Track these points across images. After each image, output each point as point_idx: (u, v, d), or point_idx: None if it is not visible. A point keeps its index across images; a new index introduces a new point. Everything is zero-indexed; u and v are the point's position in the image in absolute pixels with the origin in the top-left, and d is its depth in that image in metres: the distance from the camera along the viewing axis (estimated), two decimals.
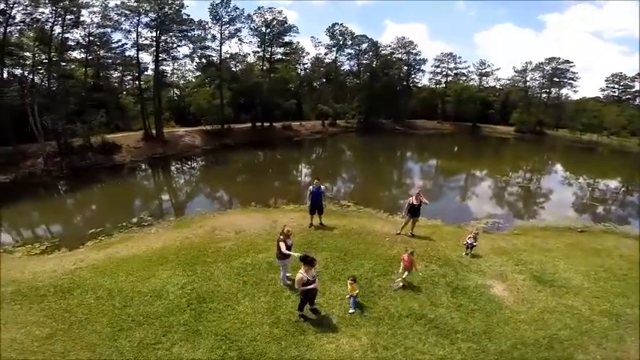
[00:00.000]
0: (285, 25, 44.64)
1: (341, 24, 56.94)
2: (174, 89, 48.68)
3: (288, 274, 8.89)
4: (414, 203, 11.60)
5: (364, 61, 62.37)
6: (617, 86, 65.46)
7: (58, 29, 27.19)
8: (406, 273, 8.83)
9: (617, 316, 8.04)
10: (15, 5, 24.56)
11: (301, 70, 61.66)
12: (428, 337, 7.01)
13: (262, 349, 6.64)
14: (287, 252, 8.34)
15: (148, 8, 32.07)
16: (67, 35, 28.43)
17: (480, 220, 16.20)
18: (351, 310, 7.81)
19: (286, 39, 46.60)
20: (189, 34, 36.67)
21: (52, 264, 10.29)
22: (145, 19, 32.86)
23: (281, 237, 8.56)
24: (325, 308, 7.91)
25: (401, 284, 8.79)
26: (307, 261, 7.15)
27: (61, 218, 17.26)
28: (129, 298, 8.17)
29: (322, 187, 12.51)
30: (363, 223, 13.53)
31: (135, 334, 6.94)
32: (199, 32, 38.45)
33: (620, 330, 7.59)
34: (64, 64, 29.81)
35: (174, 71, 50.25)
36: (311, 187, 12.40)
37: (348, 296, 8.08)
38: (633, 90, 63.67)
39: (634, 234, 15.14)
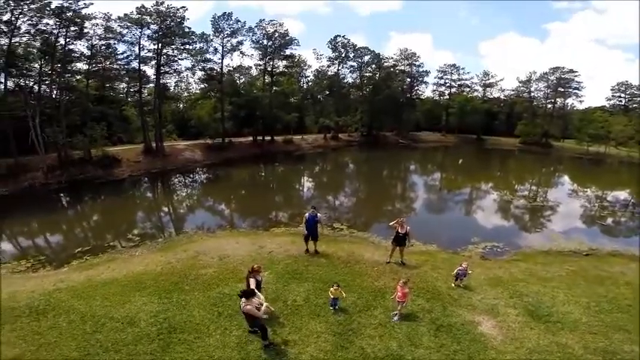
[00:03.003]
0: (287, 38, 45.06)
1: (343, 36, 57.45)
2: (178, 102, 49.11)
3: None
4: (400, 232, 11.16)
5: (367, 74, 62.52)
6: (623, 95, 64.36)
7: (62, 40, 27.77)
8: (400, 306, 8.54)
9: (613, 354, 7.49)
10: (20, 16, 25.14)
11: (304, 83, 61.98)
12: None
13: None
14: (254, 290, 7.96)
15: (149, 20, 32.59)
16: (70, 47, 29.02)
17: (477, 245, 15.40)
18: (330, 308, 8.71)
19: (288, 52, 47.00)
20: (190, 47, 37.21)
21: (33, 283, 10.37)
22: (147, 32, 33.42)
23: (250, 273, 8.26)
24: (299, 346, 7.54)
25: (396, 317, 8.56)
26: (245, 295, 7.14)
27: (51, 235, 17.30)
28: (100, 323, 8.11)
29: (318, 215, 12.31)
30: (352, 250, 13.11)
31: None
32: (201, 45, 39.00)
33: None
34: (68, 75, 30.27)
35: (178, 83, 50.98)
36: (307, 214, 12.23)
37: (330, 297, 8.72)
38: None
39: None
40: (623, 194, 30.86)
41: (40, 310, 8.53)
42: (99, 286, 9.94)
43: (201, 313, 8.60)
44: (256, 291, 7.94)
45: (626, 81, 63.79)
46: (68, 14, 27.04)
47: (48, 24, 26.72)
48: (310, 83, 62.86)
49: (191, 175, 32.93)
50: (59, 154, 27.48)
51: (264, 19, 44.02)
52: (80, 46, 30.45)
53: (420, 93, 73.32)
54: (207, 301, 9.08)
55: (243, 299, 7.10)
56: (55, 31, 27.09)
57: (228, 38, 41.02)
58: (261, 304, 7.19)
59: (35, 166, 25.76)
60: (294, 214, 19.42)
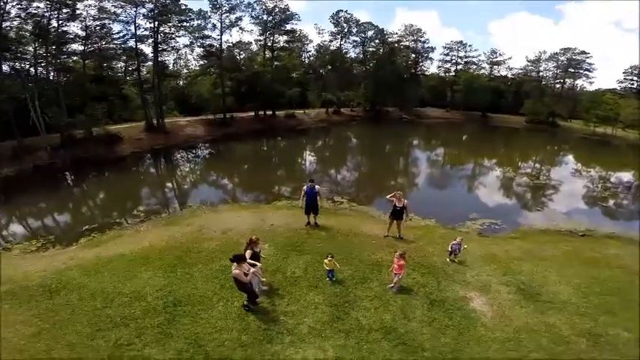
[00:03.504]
0: (287, 13, 43.86)
1: (345, 11, 55.77)
2: (177, 79, 48.52)
3: (262, 280, 8.82)
4: (397, 205, 11.29)
5: (370, 49, 60.99)
6: (636, 78, 62.58)
7: (54, 23, 27.22)
8: (396, 278, 8.77)
9: (597, 337, 7.60)
10: (9, 0, 24.53)
11: (305, 57, 60.70)
12: (393, 354, 6.84)
13: (227, 355, 6.76)
14: (250, 262, 8.17)
15: None
16: (64, 29, 28.41)
17: (476, 221, 15.59)
18: (327, 279, 8.98)
19: (288, 27, 45.80)
20: (187, 24, 36.32)
21: (44, 263, 10.59)
22: (142, 10, 32.57)
23: (248, 245, 8.46)
24: (298, 317, 7.85)
25: (394, 289, 8.85)
26: (236, 259, 7.42)
27: (59, 214, 17.62)
28: (110, 299, 8.38)
29: (317, 187, 12.29)
30: (351, 223, 13.34)
31: (111, 335, 7.18)
32: (199, 22, 38.07)
33: (595, 353, 7.18)
34: (64, 57, 29.87)
35: (177, 61, 50.13)
36: (305, 187, 12.20)
37: (326, 270, 9.00)
38: None
39: None
40: (627, 176, 30.56)
41: (53, 289, 8.78)
42: (107, 263, 10.20)
43: (205, 286, 8.86)
44: (254, 262, 8.19)
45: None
46: None
47: (39, 7, 26.10)
48: (312, 58, 61.57)
49: (193, 151, 33.02)
50: (61, 134, 27.55)
51: None
52: (74, 28, 29.86)
53: (425, 69, 71.83)
54: (210, 274, 9.35)
55: (235, 264, 7.35)
56: (47, 14, 26.46)
57: (227, 14, 40.00)
58: (249, 270, 7.41)
59: (39, 147, 25.88)
60: (296, 188, 19.54)
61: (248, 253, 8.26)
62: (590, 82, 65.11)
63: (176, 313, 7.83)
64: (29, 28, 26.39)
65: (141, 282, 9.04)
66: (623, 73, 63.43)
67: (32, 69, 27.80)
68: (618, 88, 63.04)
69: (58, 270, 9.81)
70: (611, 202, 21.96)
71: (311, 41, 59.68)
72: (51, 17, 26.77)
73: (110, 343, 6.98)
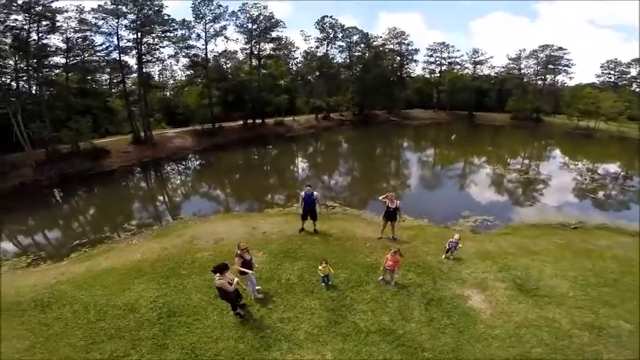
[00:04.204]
0: (272, 21, 43.78)
1: (330, 16, 56.02)
2: (164, 90, 48.14)
3: (257, 287, 8.71)
4: (390, 207, 11.31)
5: (356, 53, 61.46)
6: (612, 72, 64.64)
7: (34, 35, 26.72)
8: (390, 274, 8.82)
9: (599, 329, 7.59)
10: None
11: (293, 64, 60.91)
12: (393, 355, 6.80)
13: None
14: (241, 269, 8.13)
15: (126, 10, 31.41)
16: (45, 41, 27.93)
17: (468, 219, 15.71)
18: (322, 284, 8.91)
19: (274, 34, 45.79)
20: (171, 34, 36.00)
21: (35, 278, 10.52)
22: (124, 22, 32.16)
23: (237, 252, 8.34)
24: (294, 323, 7.78)
25: (392, 284, 8.96)
26: (218, 270, 7.33)
27: (48, 230, 17.27)
28: (103, 311, 8.35)
29: (315, 193, 12.15)
30: (345, 227, 13.31)
31: (106, 347, 7.18)
32: (183, 32, 37.82)
33: (599, 346, 7.16)
34: (46, 70, 29.36)
35: (163, 72, 49.77)
36: (302, 192, 12.08)
37: (321, 276, 8.91)
38: (629, 76, 62.87)
39: (631, 230, 14.44)
40: (613, 167, 31.29)
41: (45, 303, 8.74)
42: (99, 276, 10.12)
43: (199, 296, 8.79)
44: (246, 270, 8.11)
45: (616, 59, 63.95)
46: (37, 9, 25.93)
47: (17, 20, 25.60)
48: (300, 65, 61.79)
49: (183, 162, 32.63)
50: (46, 149, 26.98)
51: (247, 3, 42.59)
52: (55, 40, 29.33)
53: (411, 71, 72.56)
54: (204, 284, 9.23)
55: (217, 274, 7.29)
56: (26, 27, 26.00)
57: (211, 24, 39.74)
58: (234, 280, 7.36)
59: (23, 163, 25.27)
60: (289, 195, 19.68)
61: (238, 262, 8.16)
62: (570, 78, 67.46)
63: (171, 324, 7.83)
64: (8, 41, 25.83)
65: (134, 294, 8.98)
66: (601, 67, 65.62)
67: (14, 83, 27.20)
68: (597, 82, 65.00)
69: (50, 284, 9.76)
70: (600, 193, 22.40)
71: (297, 48, 60.01)
72: (30, 30, 26.28)
73: (106, 355, 6.97)
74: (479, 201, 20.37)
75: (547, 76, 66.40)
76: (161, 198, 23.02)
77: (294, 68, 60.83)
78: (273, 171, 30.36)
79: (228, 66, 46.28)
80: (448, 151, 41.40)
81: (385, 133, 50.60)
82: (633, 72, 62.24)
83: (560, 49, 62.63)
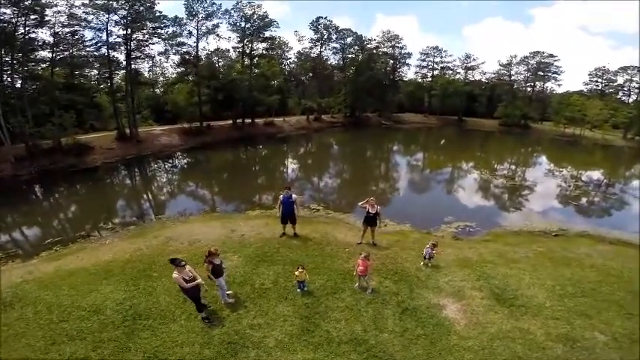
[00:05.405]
0: (266, 20, 43.55)
1: (325, 17, 56.05)
2: (153, 87, 47.43)
3: (228, 292, 8.47)
4: (370, 212, 11.17)
5: (350, 55, 61.60)
6: (600, 80, 65.84)
7: (21, 29, 26.07)
8: (365, 281, 8.75)
9: (574, 341, 7.48)
10: None
11: (286, 65, 60.67)
12: None
13: None
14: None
15: (117, 6, 30.87)
16: (31, 35, 27.23)
17: (450, 225, 15.57)
18: (298, 290, 8.77)
19: (267, 34, 45.54)
20: (162, 31, 35.53)
21: (1, 277, 10.07)
22: (115, 17, 31.60)
23: (207, 257, 8.08)
24: (265, 330, 7.56)
25: (369, 291, 8.88)
26: (175, 263, 7.22)
27: (21, 227, 16.70)
28: (67, 312, 8.17)
29: (294, 195, 11.86)
30: (326, 231, 13.10)
31: (66, 349, 7.06)
32: (175, 29, 37.34)
33: (572, 358, 7.02)
34: (31, 64, 28.66)
35: (152, 69, 49.03)
36: (281, 195, 11.77)
37: (297, 281, 8.78)
38: (616, 84, 64.17)
39: (610, 238, 14.49)
40: (596, 174, 31.77)
41: (7, 303, 8.50)
42: (66, 276, 9.84)
43: (167, 299, 8.57)
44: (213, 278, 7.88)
45: (603, 66, 65.11)
46: (26, 3, 25.34)
47: (5, 13, 25.03)
48: (293, 65, 61.62)
49: (169, 161, 32.03)
50: (26, 145, 26.26)
51: (240, 1, 42.27)
52: (43, 34, 28.67)
53: (403, 75, 73.06)
54: (174, 287, 8.83)
55: (174, 267, 7.17)
56: (14, 20, 25.37)
57: (204, 21, 39.42)
58: (195, 278, 7.24)
59: (2, 158, 24.58)
60: (275, 197, 19.21)
61: (208, 267, 7.91)
62: (559, 85, 68.77)
63: (135, 327, 7.64)
64: None
65: (101, 296, 8.76)
66: (589, 75, 66.86)
67: None
68: (585, 90, 66.15)
69: (14, 284, 9.46)
70: (583, 200, 22.63)
71: (291, 48, 59.92)
72: (18, 23, 25.63)
73: (65, 356, 6.87)
74: (463, 206, 20.33)
75: (536, 82, 67.55)
76: (142, 196, 22.51)
77: (287, 68, 60.60)
78: (262, 171, 30.06)
79: (220, 64, 45.81)
80: (437, 155, 41.59)
81: (376, 136, 50.67)
82: (620, 80, 63.71)
83: (551, 56, 63.95)
